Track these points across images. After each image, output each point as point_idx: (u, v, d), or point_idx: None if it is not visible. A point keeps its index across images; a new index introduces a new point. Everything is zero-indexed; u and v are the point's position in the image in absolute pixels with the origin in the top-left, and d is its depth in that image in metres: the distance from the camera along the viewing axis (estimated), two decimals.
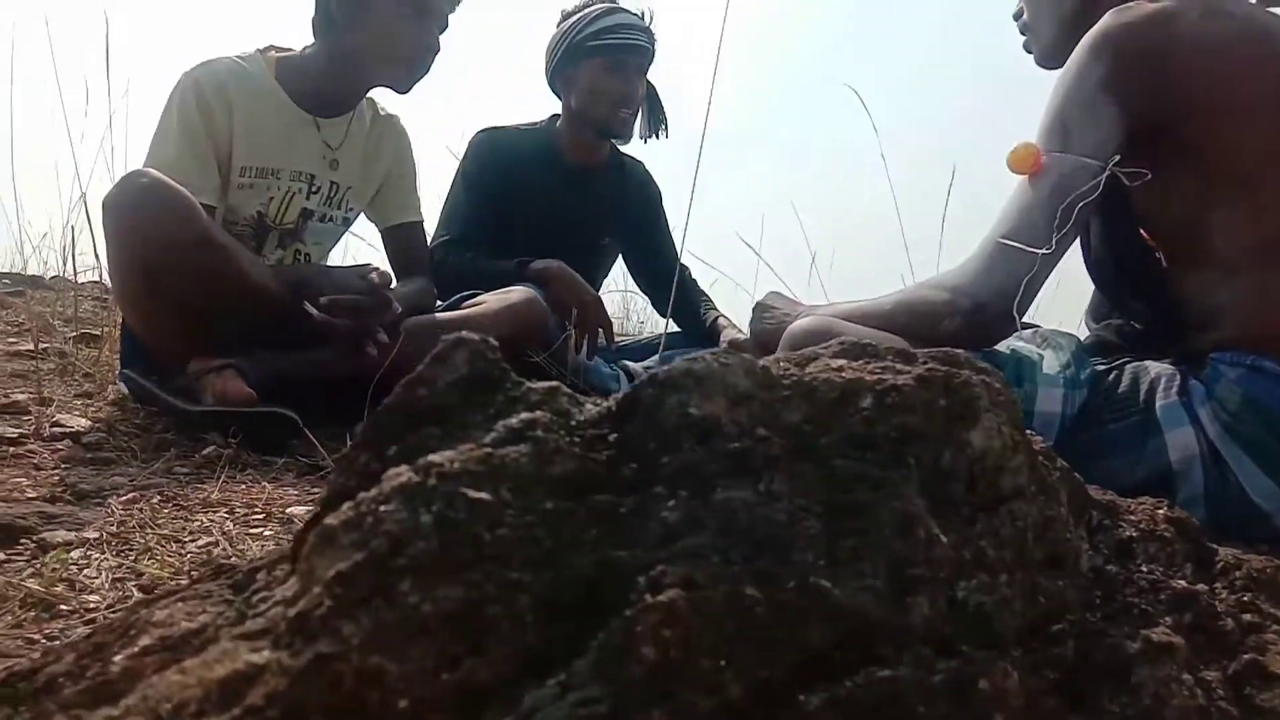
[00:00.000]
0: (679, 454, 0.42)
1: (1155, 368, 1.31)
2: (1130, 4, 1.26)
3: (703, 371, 0.43)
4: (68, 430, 1.52)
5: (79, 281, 4.13)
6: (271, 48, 1.97)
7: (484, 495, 0.35)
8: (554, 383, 0.42)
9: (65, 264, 3.95)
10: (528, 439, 0.38)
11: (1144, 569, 0.77)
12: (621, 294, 3.98)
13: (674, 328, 2.79)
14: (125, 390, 1.83)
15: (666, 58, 2.51)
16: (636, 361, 2.51)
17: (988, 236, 1.29)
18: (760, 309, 1.76)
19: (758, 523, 0.41)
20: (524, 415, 0.39)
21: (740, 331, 2.55)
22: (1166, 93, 1.22)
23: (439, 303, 2.13)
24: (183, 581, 0.96)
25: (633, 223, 2.67)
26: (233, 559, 1.03)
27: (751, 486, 0.42)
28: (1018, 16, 1.57)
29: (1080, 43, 1.28)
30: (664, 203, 2.74)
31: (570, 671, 0.34)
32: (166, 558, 1.02)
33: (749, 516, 0.41)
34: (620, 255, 2.73)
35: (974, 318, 1.27)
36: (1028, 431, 0.71)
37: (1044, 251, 1.18)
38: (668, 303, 2.69)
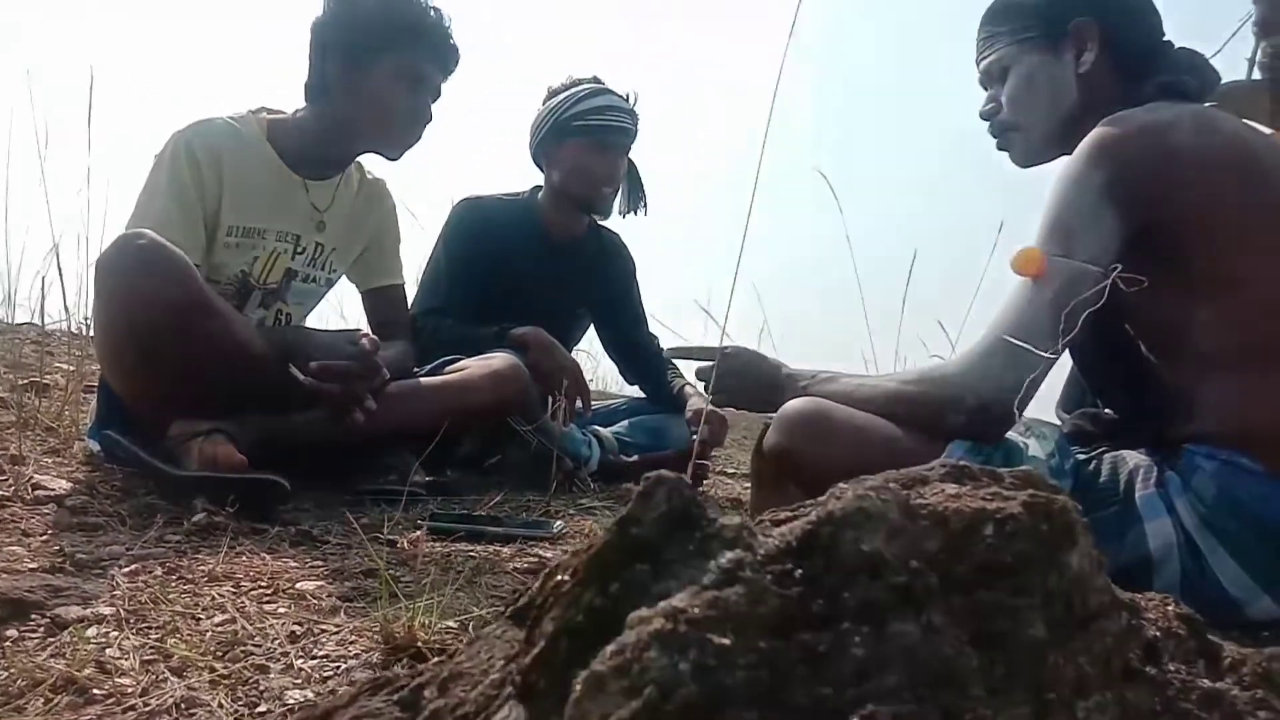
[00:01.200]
0: (856, 589, 0.45)
1: (1133, 458, 1.38)
2: (1123, 114, 1.36)
3: (871, 509, 0.47)
4: (50, 493, 1.48)
5: (15, 323, 4.00)
6: (263, 109, 1.97)
7: (725, 640, 0.37)
8: (739, 518, 0.45)
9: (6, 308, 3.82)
10: (739, 580, 0.41)
11: (1171, 668, 0.82)
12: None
13: (639, 393, 2.83)
14: (96, 448, 1.79)
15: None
16: (605, 426, 2.54)
17: (990, 334, 1.36)
18: (727, 363, 1.71)
19: (931, 657, 0.44)
20: (730, 555, 0.42)
21: (705, 400, 2.59)
22: (1161, 202, 1.31)
23: (418, 368, 2.14)
24: (213, 664, 0.96)
25: (608, 295, 2.72)
26: (256, 638, 1.03)
27: (915, 620, 0.46)
28: (988, 116, 1.64)
29: (1078, 151, 1.36)
30: (637, 274, 2.80)
31: None
32: (189, 636, 1.01)
33: (924, 651, 0.44)
34: (592, 324, 2.77)
35: (978, 415, 1.33)
36: None
37: (1050, 356, 1.25)
38: (638, 372, 2.73)
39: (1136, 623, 0.89)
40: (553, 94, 2.51)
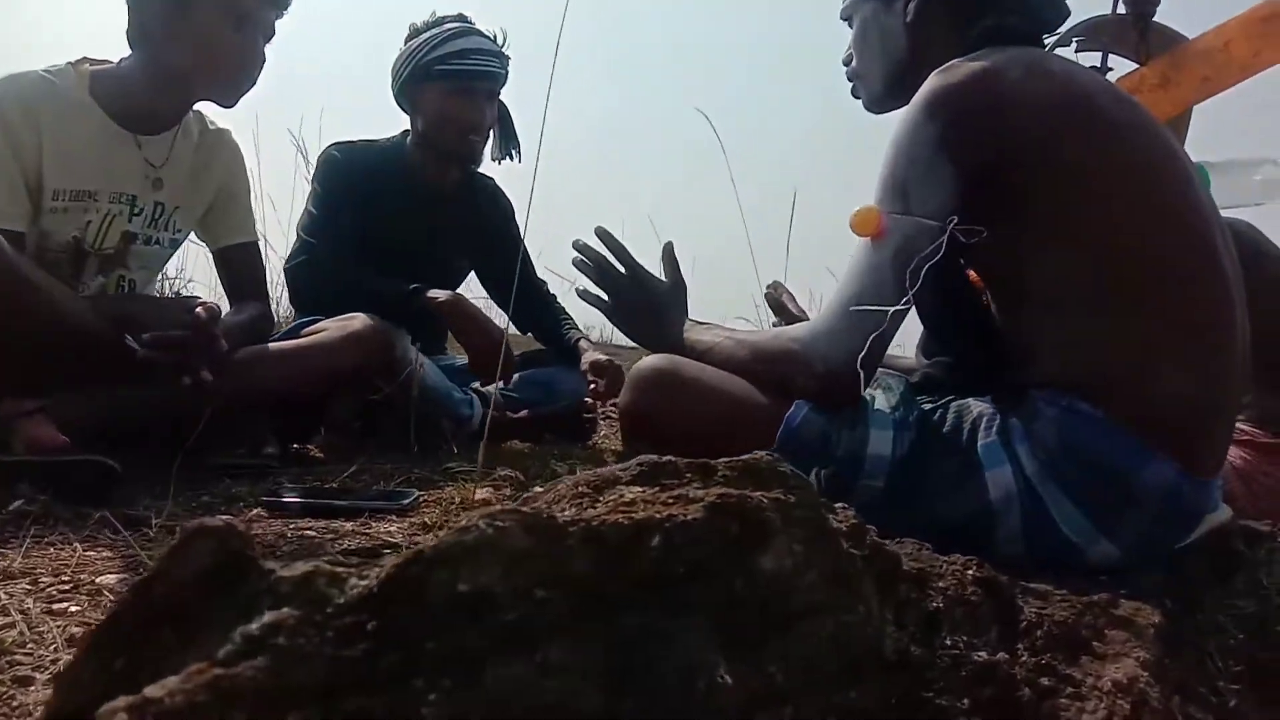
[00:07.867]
0: (445, 636, 0.40)
1: (977, 406, 1.36)
2: (953, 64, 1.31)
3: (474, 541, 0.42)
4: None
5: None
6: (85, 60, 1.84)
7: None
8: (311, 565, 0.40)
9: None
10: (268, 648, 0.36)
11: (948, 642, 0.80)
12: None
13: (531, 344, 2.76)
14: None
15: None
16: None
17: (835, 298, 1.32)
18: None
19: (530, 705, 0.39)
20: (267, 618, 0.36)
21: (600, 354, 2.54)
22: (995, 149, 1.27)
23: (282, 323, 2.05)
24: None
25: (487, 241, 2.61)
26: (29, 645, 0.96)
27: (527, 659, 0.41)
28: (847, 63, 1.62)
29: (910, 104, 1.32)
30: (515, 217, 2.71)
31: None
32: None
33: (522, 698, 0.39)
34: (472, 271, 2.68)
35: (826, 381, 1.31)
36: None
37: (892, 310, 1.23)
38: (527, 317, 2.66)
39: (914, 596, 0.86)
40: (415, 33, 2.37)
